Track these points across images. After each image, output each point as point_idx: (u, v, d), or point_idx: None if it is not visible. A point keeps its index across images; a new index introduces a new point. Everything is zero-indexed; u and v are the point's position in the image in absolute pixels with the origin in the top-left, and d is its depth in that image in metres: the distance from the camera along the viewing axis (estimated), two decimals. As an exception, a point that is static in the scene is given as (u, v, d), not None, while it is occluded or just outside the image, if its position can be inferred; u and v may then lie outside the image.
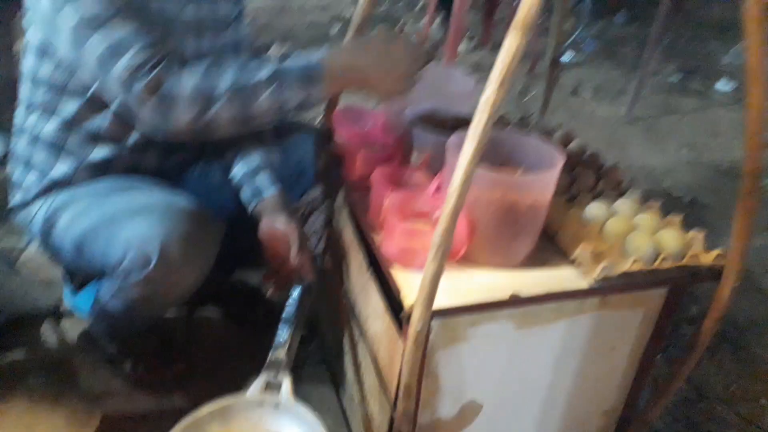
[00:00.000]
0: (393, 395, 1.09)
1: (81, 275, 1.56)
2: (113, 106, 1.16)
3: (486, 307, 1.01)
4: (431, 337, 1.01)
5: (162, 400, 1.47)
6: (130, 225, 1.13)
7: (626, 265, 1.02)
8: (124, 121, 1.18)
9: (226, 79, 1.06)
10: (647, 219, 1.14)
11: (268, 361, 1.17)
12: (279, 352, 1.18)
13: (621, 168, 1.33)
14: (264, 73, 1.08)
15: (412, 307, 0.92)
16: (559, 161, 1.01)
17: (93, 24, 1.04)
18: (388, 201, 1.07)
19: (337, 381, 1.54)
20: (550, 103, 1.96)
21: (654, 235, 1.09)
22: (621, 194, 1.24)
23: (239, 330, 1.70)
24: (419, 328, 0.91)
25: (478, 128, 0.79)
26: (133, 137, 1.25)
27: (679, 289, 1.13)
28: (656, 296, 1.14)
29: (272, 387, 1.14)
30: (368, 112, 1.47)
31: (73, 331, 1.61)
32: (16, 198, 1.32)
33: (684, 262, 1.06)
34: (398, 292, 0.99)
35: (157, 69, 1.05)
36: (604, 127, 3.36)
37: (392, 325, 1.07)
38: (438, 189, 1.08)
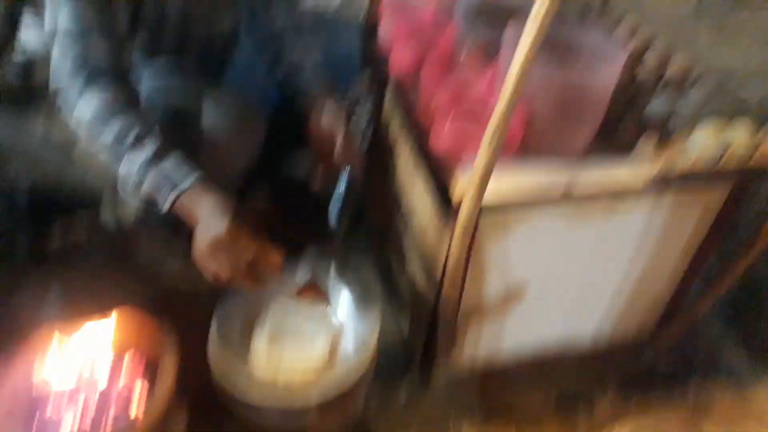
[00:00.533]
0: (438, 280, 1.12)
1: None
2: None
3: (536, 203, 0.99)
4: (478, 229, 1.01)
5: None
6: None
7: (688, 162, 0.98)
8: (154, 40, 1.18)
9: (109, 133, 1.03)
10: (714, 115, 1.07)
11: (318, 242, 1.21)
12: (326, 241, 1.21)
13: (688, 63, 1.24)
14: (144, 153, 1.03)
15: (460, 201, 0.92)
16: (621, 55, 0.95)
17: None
18: (439, 93, 1.03)
19: (382, 270, 1.58)
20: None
21: (720, 133, 1.03)
22: (691, 86, 1.16)
23: (288, 222, 1.74)
24: (467, 222, 0.91)
25: (538, 16, 0.74)
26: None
27: (743, 188, 1.09)
28: (717, 195, 1.10)
29: (322, 267, 1.19)
30: (418, 2, 1.39)
31: (130, 212, 1.68)
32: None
33: (750, 161, 1.01)
34: (447, 185, 0.98)
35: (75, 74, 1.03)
36: (670, 22, 3.11)
37: (439, 218, 1.07)
38: (492, 81, 1.04)
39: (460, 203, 0.92)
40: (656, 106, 1.09)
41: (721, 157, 0.99)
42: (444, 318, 1.11)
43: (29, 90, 2.14)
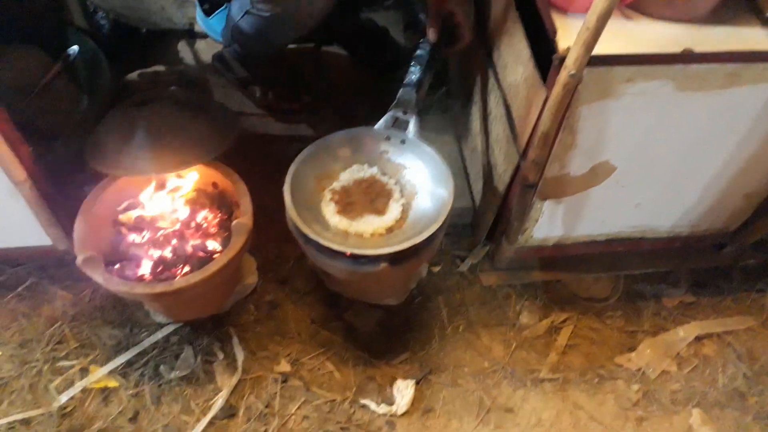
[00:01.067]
0: (523, 144, 1.05)
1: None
2: None
3: (651, 60, 0.89)
4: (579, 87, 0.92)
5: (290, 127, 1.53)
6: None
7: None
8: None
9: None
10: None
11: (397, 98, 1.15)
12: (409, 91, 1.15)
13: None
14: None
15: (567, 50, 0.83)
16: None
17: None
18: None
19: (459, 131, 1.52)
20: None
21: None
22: None
23: (367, 69, 1.67)
24: (573, 73, 0.82)
25: None
26: None
27: None
28: None
29: (399, 124, 1.14)
30: None
31: (206, 52, 1.65)
32: None
33: None
34: (554, 32, 0.89)
35: None
36: None
37: (535, 71, 0.98)
38: None
39: (565, 53, 0.83)
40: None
41: None
42: (523, 186, 1.05)
43: None
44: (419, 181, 1.12)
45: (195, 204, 1.14)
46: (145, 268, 1.06)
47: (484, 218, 1.31)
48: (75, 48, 1.30)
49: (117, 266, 1.06)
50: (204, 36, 1.70)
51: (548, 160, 1.05)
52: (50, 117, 1.24)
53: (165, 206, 1.13)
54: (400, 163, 1.13)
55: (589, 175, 1.11)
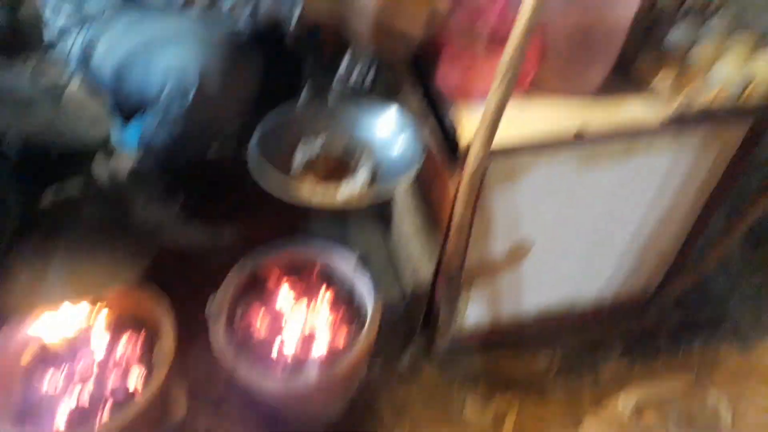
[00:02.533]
0: (443, 234, 1.07)
1: (126, 108, 1.53)
2: None
3: (547, 144, 0.94)
4: (488, 173, 0.96)
5: (212, 235, 1.50)
6: (167, 52, 1.07)
7: (710, 96, 0.92)
8: None
9: None
10: (739, 45, 1.00)
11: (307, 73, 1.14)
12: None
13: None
14: None
15: (469, 144, 0.87)
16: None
17: None
18: (450, 20, 0.96)
19: (384, 223, 1.54)
20: None
21: (742, 66, 0.97)
22: (712, 15, 1.09)
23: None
24: (476, 166, 0.86)
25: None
26: None
27: (763, 127, 1.03)
28: (736, 132, 1.04)
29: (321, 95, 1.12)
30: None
31: (124, 166, 1.63)
32: (52, 32, 1.26)
33: (775, 96, 0.95)
34: (454, 126, 0.93)
35: None
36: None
37: (445, 163, 1.02)
38: (504, 8, 0.96)
39: (468, 148, 0.87)
40: (676, 36, 1.03)
41: (743, 92, 0.93)
42: (447, 276, 1.06)
43: (17, 34, 2.06)
44: (370, 136, 1.09)
45: (114, 331, 1.08)
46: (60, 420, 0.97)
47: (416, 310, 1.31)
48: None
49: (28, 419, 0.97)
50: (120, 150, 1.69)
51: (467, 248, 1.07)
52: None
53: (80, 342, 1.06)
54: (343, 127, 1.10)
55: (510, 255, 1.14)
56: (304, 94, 1.13)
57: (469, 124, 0.92)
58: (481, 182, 0.96)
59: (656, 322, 1.43)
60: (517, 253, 1.15)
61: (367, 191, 1.01)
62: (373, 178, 1.04)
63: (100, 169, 1.63)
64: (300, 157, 1.06)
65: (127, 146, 1.64)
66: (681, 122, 0.95)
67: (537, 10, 0.71)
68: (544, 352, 1.36)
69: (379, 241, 1.52)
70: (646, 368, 1.35)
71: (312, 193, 1.00)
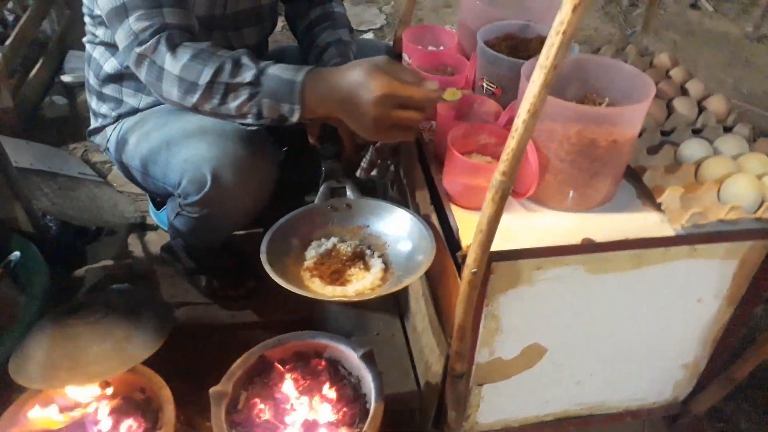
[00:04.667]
0: (450, 333, 1.06)
1: (156, 195, 1.61)
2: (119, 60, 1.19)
3: (552, 252, 0.93)
4: (492, 278, 0.95)
5: (236, 314, 1.53)
6: (186, 148, 1.14)
7: (721, 213, 0.90)
8: None
9: (209, 71, 0.97)
10: (754, 160, 0.99)
11: (324, 172, 1.17)
12: (331, 163, 1.17)
13: (728, 99, 1.16)
14: (247, 75, 0.96)
15: (467, 248, 0.87)
16: (650, 93, 0.88)
17: None
18: (452, 132, 0.99)
19: (402, 308, 1.52)
20: (664, 17, 1.73)
21: (760, 180, 0.95)
22: (726, 130, 1.08)
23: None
24: (474, 271, 0.85)
25: (550, 51, 0.68)
26: None
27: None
28: (757, 248, 1.01)
29: (337, 193, 1.17)
30: (443, 31, 1.36)
31: (157, 244, 1.69)
32: (94, 123, 1.39)
33: (793, 213, 0.92)
34: (456, 231, 0.93)
35: (155, 37, 0.99)
36: (725, 45, 2.98)
37: (451, 264, 1.02)
38: (509, 121, 0.99)
39: (466, 251, 0.87)
40: (689, 149, 1.02)
41: (760, 207, 0.90)
42: (453, 375, 1.04)
43: (71, 122, 2.22)
44: (383, 233, 1.11)
45: (120, 413, 1.09)
46: None
47: (428, 404, 1.27)
48: (17, 254, 1.33)
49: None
50: (155, 228, 1.77)
51: (475, 347, 1.05)
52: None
53: (88, 419, 1.08)
54: (356, 225, 1.12)
55: (522, 357, 1.11)
56: (322, 189, 1.16)
57: (470, 227, 0.92)
58: (486, 286, 0.95)
59: (687, 433, 1.35)
60: (530, 356, 1.11)
61: (379, 286, 1.02)
62: (386, 272, 1.06)
63: (134, 244, 1.71)
64: (314, 251, 1.09)
65: (162, 225, 1.72)
66: (691, 237, 0.93)
67: (530, 126, 0.72)
68: (562, 458, 1.29)
69: (396, 330, 1.50)
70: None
71: (323, 287, 1.02)
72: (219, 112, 1.00)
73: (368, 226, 1.13)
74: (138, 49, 1.00)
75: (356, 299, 0.98)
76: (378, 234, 1.12)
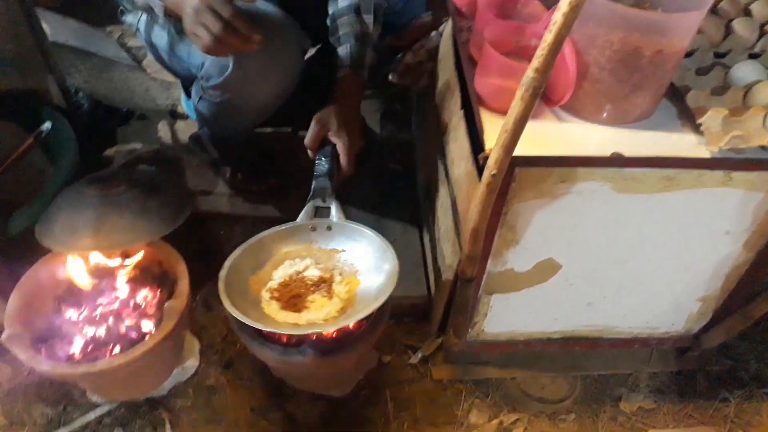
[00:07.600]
0: (465, 238, 1.05)
1: (184, 79, 1.60)
2: None
3: (578, 162, 0.90)
4: (512, 186, 0.93)
5: (257, 207, 1.55)
6: None
7: (764, 140, 0.85)
8: None
9: None
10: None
11: (312, 189, 1.16)
12: (322, 181, 1.16)
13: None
14: None
15: (490, 151, 0.84)
16: (705, 2, 0.82)
17: None
18: (488, 30, 0.94)
19: (421, 220, 1.52)
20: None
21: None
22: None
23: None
24: (494, 173, 0.83)
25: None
26: None
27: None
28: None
29: (321, 212, 1.15)
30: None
31: (186, 133, 1.70)
32: (126, 3, 1.34)
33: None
34: (481, 132, 0.90)
35: None
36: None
37: (473, 168, 0.99)
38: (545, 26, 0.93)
39: (489, 153, 0.84)
40: (741, 72, 0.95)
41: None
42: (462, 280, 1.04)
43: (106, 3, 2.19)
44: (357, 260, 1.10)
45: (137, 282, 1.14)
46: (77, 347, 1.05)
47: (437, 310, 1.29)
48: (48, 125, 1.35)
49: (48, 343, 1.05)
50: (185, 117, 1.77)
51: (488, 255, 1.04)
52: (16, 190, 1.27)
53: (107, 283, 1.13)
54: (333, 247, 1.12)
55: (535, 271, 1.10)
56: (306, 208, 1.15)
57: (496, 131, 0.89)
58: (507, 193, 0.93)
59: (694, 367, 1.35)
60: (543, 271, 1.10)
61: (335, 317, 1.01)
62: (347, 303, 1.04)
63: (164, 131, 1.72)
64: (283, 270, 1.08)
65: (192, 114, 1.72)
66: (727, 161, 0.88)
67: (569, 21, 0.67)
68: (564, 375, 1.31)
69: (414, 238, 1.51)
70: (672, 413, 1.27)
71: (277, 311, 1.01)
72: None
73: (344, 251, 1.11)
74: None
75: (307, 331, 0.97)
76: (351, 261, 1.11)
